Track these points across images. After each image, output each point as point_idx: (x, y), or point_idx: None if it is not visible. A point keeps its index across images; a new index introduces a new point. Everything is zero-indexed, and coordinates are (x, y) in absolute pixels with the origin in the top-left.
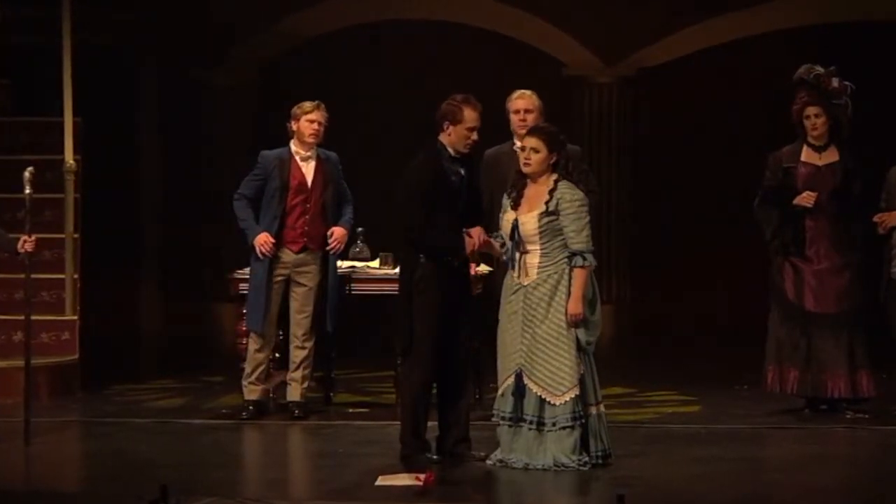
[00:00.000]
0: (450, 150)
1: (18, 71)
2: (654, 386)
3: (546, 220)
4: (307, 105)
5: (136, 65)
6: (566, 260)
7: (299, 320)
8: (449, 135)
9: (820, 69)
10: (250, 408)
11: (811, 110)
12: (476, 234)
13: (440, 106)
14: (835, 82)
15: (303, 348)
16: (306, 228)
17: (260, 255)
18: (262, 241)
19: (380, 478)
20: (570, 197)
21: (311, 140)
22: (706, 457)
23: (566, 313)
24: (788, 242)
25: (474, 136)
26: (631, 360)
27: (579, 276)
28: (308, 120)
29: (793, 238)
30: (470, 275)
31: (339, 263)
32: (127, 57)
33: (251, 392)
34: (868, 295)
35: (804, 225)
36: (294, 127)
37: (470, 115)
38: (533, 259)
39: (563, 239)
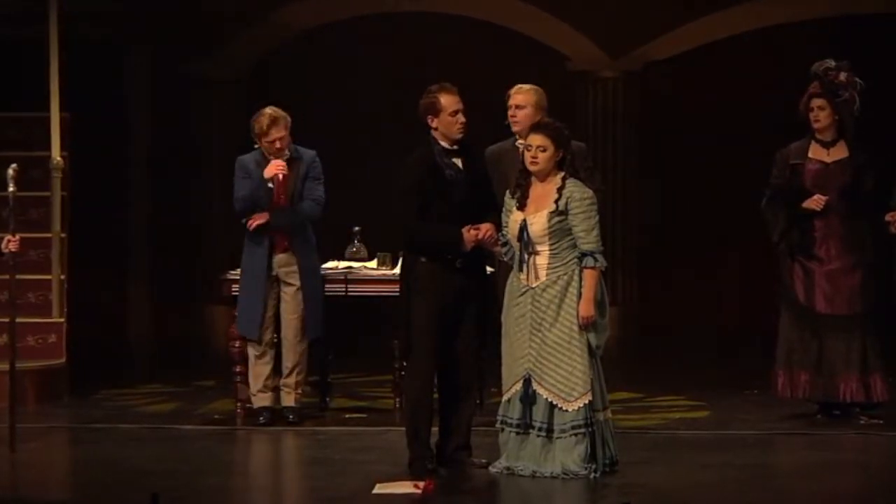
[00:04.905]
0: (442, 143)
1: (4, 64)
2: (661, 391)
3: (556, 219)
4: (263, 124)
5: (125, 59)
6: (576, 261)
7: (290, 322)
8: (436, 128)
9: (832, 63)
10: (265, 413)
11: (815, 102)
12: (484, 230)
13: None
14: (842, 76)
15: (296, 351)
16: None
17: (273, 176)
18: (277, 166)
19: (377, 486)
20: (580, 196)
21: (278, 155)
22: (714, 463)
23: (577, 316)
24: (795, 244)
25: (461, 118)
26: (637, 363)
27: (590, 277)
28: (268, 142)
29: (800, 239)
30: (479, 275)
31: (335, 264)
32: (116, 51)
33: (262, 399)
34: (880, 295)
35: (813, 225)
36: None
37: (448, 101)
38: (542, 260)
39: (572, 239)
